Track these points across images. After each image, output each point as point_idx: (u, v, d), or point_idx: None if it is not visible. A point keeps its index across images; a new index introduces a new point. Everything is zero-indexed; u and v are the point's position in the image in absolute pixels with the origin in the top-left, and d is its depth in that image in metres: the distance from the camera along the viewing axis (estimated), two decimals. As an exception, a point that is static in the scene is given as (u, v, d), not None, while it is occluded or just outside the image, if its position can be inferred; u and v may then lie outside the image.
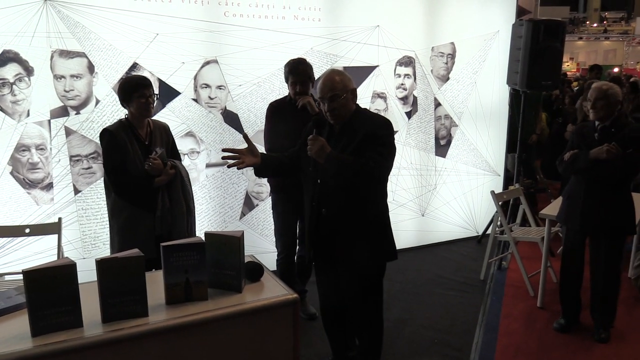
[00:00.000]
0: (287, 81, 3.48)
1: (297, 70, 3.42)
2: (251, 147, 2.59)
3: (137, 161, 2.90)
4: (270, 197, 3.72)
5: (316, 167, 2.53)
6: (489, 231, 5.22)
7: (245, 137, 2.58)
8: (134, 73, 3.78)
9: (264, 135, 3.57)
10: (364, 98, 4.78)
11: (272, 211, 3.70)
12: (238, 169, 2.54)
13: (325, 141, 2.43)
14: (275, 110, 3.52)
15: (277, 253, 3.67)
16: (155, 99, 2.96)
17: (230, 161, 2.51)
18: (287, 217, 3.61)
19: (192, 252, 1.97)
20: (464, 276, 4.64)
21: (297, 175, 2.78)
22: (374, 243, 2.59)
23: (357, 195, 2.50)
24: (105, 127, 2.95)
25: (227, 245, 2.07)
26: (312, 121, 2.55)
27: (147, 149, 2.94)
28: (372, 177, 2.44)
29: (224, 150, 2.54)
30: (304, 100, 3.38)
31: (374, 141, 2.43)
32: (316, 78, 4.44)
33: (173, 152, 3.12)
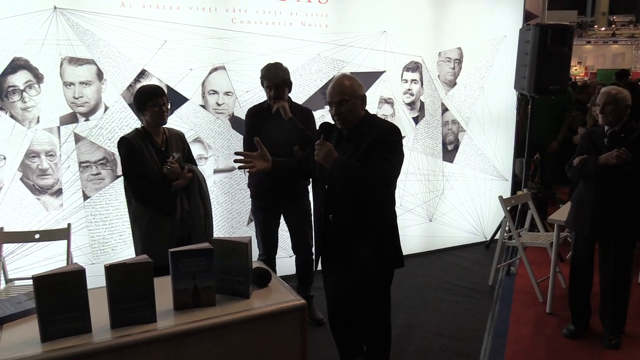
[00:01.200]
0: (262, 85, 3.48)
1: (271, 74, 3.41)
2: (263, 152, 2.60)
3: (155, 167, 2.93)
4: (251, 203, 3.73)
5: (323, 172, 2.53)
6: (497, 237, 5.19)
7: (257, 142, 2.59)
8: (142, 80, 3.82)
9: (243, 142, 3.59)
10: (371, 104, 4.77)
11: (252, 216, 3.72)
12: (249, 172, 2.55)
13: (332, 146, 2.43)
14: (253, 115, 3.52)
15: (258, 254, 3.70)
16: (168, 107, 3.01)
17: (241, 164, 2.53)
18: (267, 224, 3.63)
19: (199, 258, 1.97)
20: (472, 282, 4.62)
21: (307, 180, 2.78)
22: (380, 249, 2.58)
23: (364, 201, 2.50)
24: (122, 135, 3.00)
25: (235, 251, 2.07)
26: (320, 126, 2.55)
27: (164, 155, 2.98)
28: (379, 183, 2.44)
29: (236, 153, 2.56)
30: (278, 104, 3.37)
31: (381, 147, 2.43)
32: (324, 85, 4.45)
33: (189, 159, 3.17)
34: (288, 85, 3.47)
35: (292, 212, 3.62)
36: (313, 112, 4.38)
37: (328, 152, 2.40)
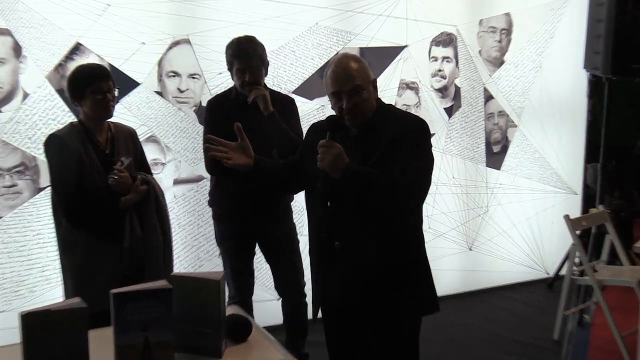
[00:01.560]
0: (230, 69, 3.46)
1: (244, 52, 3.36)
2: (244, 144, 2.61)
3: (96, 175, 2.93)
4: (214, 228, 3.74)
5: (328, 184, 2.51)
6: (563, 271, 5.16)
7: (239, 130, 2.60)
8: (77, 57, 3.79)
9: (204, 147, 3.55)
10: (388, 90, 4.77)
11: (218, 246, 3.74)
12: (225, 165, 2.55)
13: (342, 149, 2.42)
14: (216, 109, 3.49)
15: (227, 297, 3.68)
16: (115, 94, 3.00)
17: (215, 153, 2.53)
18: (239, 255, 3.63)
19: (153, 302, 1.95)
20: (530, 335, 4.58)
21: (293, 194, 2.79)
22: (407, 289, 2.55)
23: (383, 222, 2.48)
24: (51, 133, 2.98)
25: (203, 291, 2.06)
26: (327, 121, 2.53)
27: (109, 159, 2.98)
28: (407, 199, 2.44)
29: (208, 139, 2.55)
30: (257, 92, 3.34)
31: (406, 148, 2.41)
32: (323, 66, 4.46)
33: (142, 165, 3.17)
34: (266, 67, 3.47)
35: (272, 238, 3.62)
36: (310, 101, 4.37)
37: (337, 156, 2.38)
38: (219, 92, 3.72)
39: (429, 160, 2.51)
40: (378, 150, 2.45)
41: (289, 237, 3.64)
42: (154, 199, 3.03)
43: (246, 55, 3.36)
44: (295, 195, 3.70)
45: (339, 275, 2.59)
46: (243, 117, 3.38)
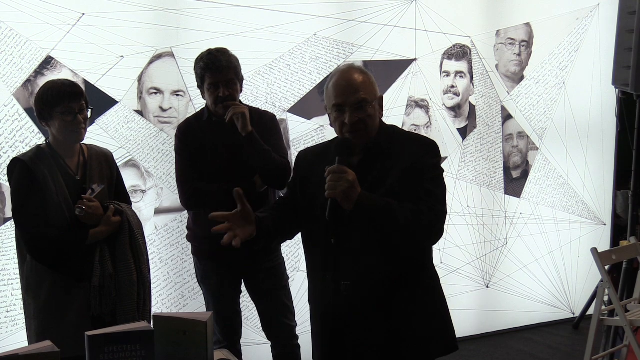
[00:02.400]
0: (201, 86, 3.44)
1: (219, 64, 3.34)
2: (245, 210, 2.49)
3: (64, 205, 2.91)
4: (194, 264, 3.71)
5: (336, 217, 2.47)
6: (590, 311, 5.14)
7: (239, 196, 2.47)
8: (47, 73, 3.81)
9: (176, 179, 3.54)
10: (395, 108, 4.81)
11: (199, 285, 3.71)
12: (233, 246, 2.48)
13: (356, 176, 2.40)
14: (187, 136, 3.47)
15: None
16: (88, 114, 2.98)
17: (224, 234, 2.43)
18: (224, 293, 3.60)
19: (133, 345, 1.94)
20: (555, 382, 4.57)
21: (290, 239, 2.76)
22: (425, 330, 2.55)
23: (394, 258, 2.47)
24: (14, 157, 2.97)
25: (188, 334, 2.05)
26: (335, 143, 2.51)
27: (80, 186, 2.97)
28: (430, 234, 2.42)
29: (212, 217, 2.49)
30: (234, 110, 3.31)
31: (425, 175, 2.42)
32: (322, 81, 4.49)
33: (119, 192, 3.15)
34: (241, 81, 3.47)
35: (258, 275, 3.59)
36: (308, 121, 4.38)
37: (352, 184, 2.35)
38: (188, 117, 3.68)
39: (445, 188, 2.51)
40: (389, 177, 2.44)
41: (277, 272, 3.60)
42: (128, 231, 3.00)
43: (219, 68, 3.33)
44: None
45: (345, 320, 2.57)
46: (219, 140, 3.39)
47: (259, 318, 3.85)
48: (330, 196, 2.36)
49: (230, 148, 3.37)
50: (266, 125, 3.47)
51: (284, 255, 3.70)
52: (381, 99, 2.57)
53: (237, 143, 3.32)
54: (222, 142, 3.38)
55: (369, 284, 2.49)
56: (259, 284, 3.61)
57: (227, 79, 3.35)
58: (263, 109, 3.70)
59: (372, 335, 2.52)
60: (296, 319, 3.70)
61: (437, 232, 2.45)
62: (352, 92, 2.47)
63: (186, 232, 3.70)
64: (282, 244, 3.66)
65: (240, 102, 3.46)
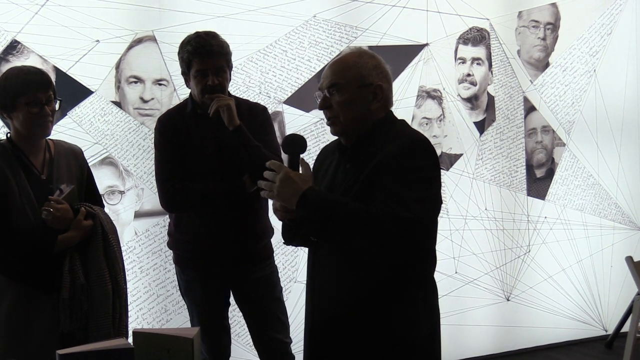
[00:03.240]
0: (186, 72, 3.44)
1: (209, 48, 3.33)
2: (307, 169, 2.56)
3: (27, 207, 2.91)
4: (177, 274, 3.71)
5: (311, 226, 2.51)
6: (625, 328, 5.15)
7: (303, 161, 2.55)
8: (12, 58, 3.81)
9: (155, 177, 3.54)
10: (404, 99, 4.80)
11: (183, 297, 3.71)
12: (279, 219, 2.52)
13: (298, 173, 2.42)
14: (167, 129, 3.47)
15: None
16: (56, 106, 2.98)
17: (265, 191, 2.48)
18: (210, 304, 3.59)
19: (109, 366, 1.95)
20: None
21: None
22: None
23: (371, 276, 2.46)
24: None
25: (172, 352, 2.05)
26: (284, 140, 2.57)
27: (46, 186, 2.96)
28: (379, 242, 2.35)
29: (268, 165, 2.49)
30: (220, 102, 3.31)
31: (393, 174, 2.38)
32: (322, 69, 4.49)
33: (90, 194, 3.14)
34: (230, 69, 3.48)
35: (248, 285, 3.58)
36: (307, 114, 4.38)
37: (284, 179, 2.39)
38: (170, 108, 3.68)
39: (427, 191, 2.42)
40: (362, 175, 2.45)
41: (269, 282, 3.59)
42: (101, 237, 2.99)
43: (209, 52, 3.33)
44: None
45: (319, 348, 2.59)
46: (204, 135, 3.39)
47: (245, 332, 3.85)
48: (270, 198, 2.44)
49: (217, 143, 3.36)
50: (257, 119, 3.48)
51: (279, 264, 3.71)
52: (378, 87, 2.52)
53: (223, 138, 3.33)
54: (208, 136, 3.38)
55: (334, 308, 2.53)
56: (248, 295, 3.60)
57: (217, 66, 3.35)
58: (255, 100, 3.70)
59: None
60: (293, 335, 3.71)
61: (398, 245, 2.36)
62: (325, 76, 2.54)
63: (167, 238, 3.70)
64: (273, 252, 3.66)
65: (229, 93, 3.47)
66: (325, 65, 2.62)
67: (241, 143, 3.32)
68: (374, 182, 2.38)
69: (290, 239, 2.69)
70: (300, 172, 2.47)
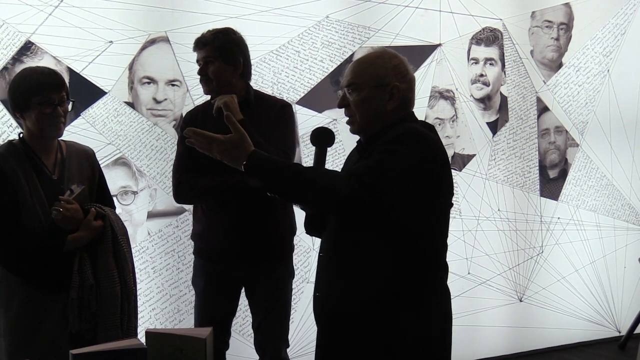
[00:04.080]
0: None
1: (199, 40, 3.37)
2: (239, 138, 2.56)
3: (38, 208, 2.91)
4: (193, 264, 3.70)
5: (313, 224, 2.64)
6: (638, 329, 5.13)
7: (230, 119, 2.56)
8: (26, 59, 3.81)
9: (172, 168, 3.57)
10: (417, 100, 4.57)
11: (193, 286, 3.69)
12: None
13: (242, 132, 2.46)
14: (188, 123, 3.44)
15: None
16: (69, 107, 2.99)
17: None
18: (219, 302, 3.57)
19: (122, 366, 1.95)
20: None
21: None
22: None
23: (373, 271, 2.47)
24: None
25: (185, 353, 2.05)
26: (312, 133, 2.61)
27: (57, 187, 2.97)
28: (334, 201, 2.38)
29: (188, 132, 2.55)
30: (219, 100, 3.32)
31: (373, 153, 2.45)
32: (335, 70, 4.48)
33: (101, 195, 3.15)
34: (234, 63, 3.42)
35: (263, 285, 3.54)
36: (319, 114, 4.37)
37: (225, 142, 2.45)
38: (198, 104, 3.70)
39: (395, 167, 2.39)
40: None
41: (284, 284, 3.58)
42: (110, 238, 2.99)
43: (198, 43, 3.39)
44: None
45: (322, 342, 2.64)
46: (217, 129, 3.37)
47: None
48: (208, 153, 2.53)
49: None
50: (272, 115, 3.45)
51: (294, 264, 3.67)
52: (395, 87, 2.52)
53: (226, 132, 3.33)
54: (220, 131, 3.38)
55: (338, 300, 2.54)
56: (260, 297, 3.57)
57: (205, 56, 3.36)
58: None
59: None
60: (305, 336, 3.68)
61: (342, 202, 2.37)
62: (345, 75, 2.60)
63: (179, 238, 3.69)
64: (292, 252, 3.62)
65: (248, 86, 3.47)
66: (343, 67, 2.64)
67: None
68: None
69: (311, 229, 2.73)
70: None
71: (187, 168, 3.41)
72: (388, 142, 2.41)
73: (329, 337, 2.60)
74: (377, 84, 2.53)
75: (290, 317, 3.66)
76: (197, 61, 3.40)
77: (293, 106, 4.33)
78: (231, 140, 2.43)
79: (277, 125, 3.43)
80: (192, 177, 3.38)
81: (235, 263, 3.47)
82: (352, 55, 4.53)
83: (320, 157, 2.59)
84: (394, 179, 2.37)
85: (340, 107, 2.59)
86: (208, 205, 3.46)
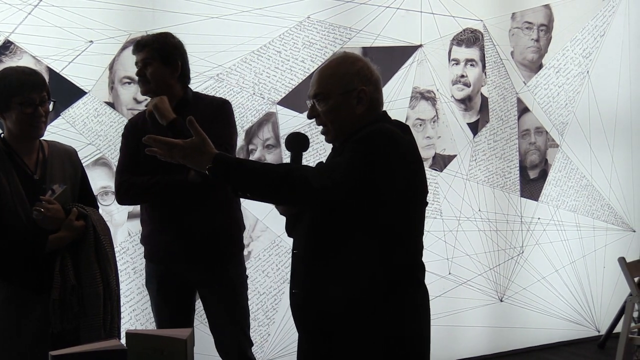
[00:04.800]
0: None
1: (138, 43, 3.38)
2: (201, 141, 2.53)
3: (19, 207, 2.90)
4: (145, 268, 3.67)
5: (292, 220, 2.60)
6: (618, 328, 5.15)
7: (191, 123, 2.49)
8: (5, 59, 3.80)
9: (116, 174, 3.52)
10: (397, 100, 4.80)
11: (147, 290, 3.66)
12: (281, 213, 2.55)
13: (203, 136, 2.41)
14: (129, 129, 3.50)
15: None
16: (50, 107, 2.98)
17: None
18: (173, 305, 3.53)
19: (102, 368, 1.94)
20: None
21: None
22: None
23: (354, 270, 2.46)
24: None
25: (166, 354, 2.04)
26: (286, 138, 2.61)
27: (39, 187, 2.95)
28: (307, 194, 2.38)
29: (147, 139, 2.47)
30: (151, 103, 3.34)
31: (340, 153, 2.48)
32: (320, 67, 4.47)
33: (84, 195, 3.14)
34: (170, 62, 3.40)
35: (214, 286, 3.51)
36: (300, 115, 4.36)
37: (188, 147, 2.39)
38: (139, 111, 3.68)
39: (348, 165, 2.41)
40: None
41: (236, 284, 3.54)
42: (93, 238, 2.97)
43: (137, 45, 3.39)
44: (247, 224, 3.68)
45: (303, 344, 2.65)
46: (157, 131, 3.35)
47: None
48: (165, 157, 2.45)
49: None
50: (208, 112, 3.41)
51: (272, 266, 3.66)
52: (361, 92, 2.53)
53: (163, 134, 3.30)
54: (161, 135, 3.35)
55: (318, 299, 2.53)
56: (214, 299, 3.53)
57: (143, 58, 3.36)
58: (248, 101, 3.67)
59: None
60: (285, 337, 3.66)
61: (301, 196, 2.40)
62: (313, 84, 2.57)
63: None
64: (243, 250, 3.60)
65: (188, 89, 3.47)
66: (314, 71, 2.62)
67: (175, 136, 3.17)
68: None
69: (292, 230, 2.71)
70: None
71: (128, 171, 3.41)
72: (357, 141, 2.42)
73: (311, 335, 2.60)
74: (343, 91, 2.53)
75: (270, 319, 3.65)
76: (136, 63, 3.39)
77: (274, 106, 4.33)
78: (192, 144, 2.37)
79: (215, 122, 3.36)
80: (129, 178, 3.38)
81: (182, 265, 3.45)
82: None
83: (296, 162, 2.58)
84: (362, 174, 2.38)
85: (310, 118, 2.58)
86: (152, 206, 3.44)
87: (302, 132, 2.73)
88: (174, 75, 3.41)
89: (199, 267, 3.45)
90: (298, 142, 2.63)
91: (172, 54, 3.39)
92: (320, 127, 2.59)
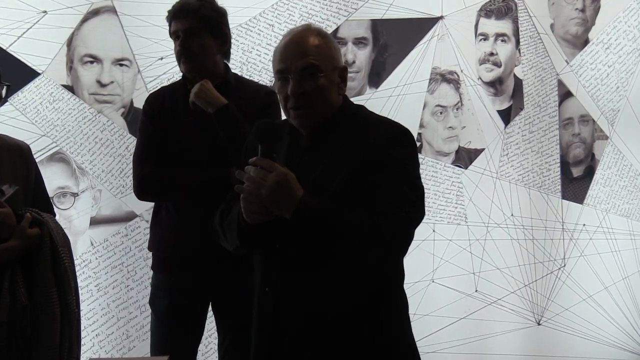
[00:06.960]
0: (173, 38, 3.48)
1: (182, 7, 3.36)
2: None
3: None
4: (151, 280, 3.69)
5: (280, 227, 2.54)
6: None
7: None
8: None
9: (132, 160, 3.55)
10: (414, 83, 4.81)
11: (150, 307, 3.67)
12: (251, 222, 2.54)
13: (289, 172, 2.43)
14: (154, 107, 3.50)
15: None
16: (3, 92, 2.99)
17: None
18: (183, 324, 3.56)
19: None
20: None
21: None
22: None
23: (358, 280, 2.53)
24: None
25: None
26: (255, 128, 2.57)
27: None
28: (390, 249, 2.49)
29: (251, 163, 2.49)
30: (194, 90, 3.35)
31: (388, 173, 2.47)
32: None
33: (39, 198, 3.16)
34: (221, 38, 3.46)
35: (233, 298, 3.52)
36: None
37: (280, 184, 2.40)
38: (164, 85, 3.69)
39: (419, 190, 2.56)
40: (345, 169, 2.51)
41: (252, 296, 3.58)
42: (49, 249, 2.97)
43: (181, 12, 3.37)
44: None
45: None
46: (188, 116, 3.38)
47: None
48: (250, 199, 2.46)
49: (200, 128, 3.35)
50: (257, 102, 3.46)
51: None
52: (343, 70, 2.62)
53: (207, 122, 3.34)
54: (191, 118, 3.36)
55: (310, 304, 2.58)
56: (226, 313, 3.59)
57: (186, 28, 3.35)
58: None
59: None
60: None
61: (401, 242, 2.51)
62: (299, 56, 2.56)
63: (129, 249, 3.68)
64: None
65: (226, 67, 3.50)
66: (277, 46, 2.61)
67: (221, 127, 3.32)
68: (361, 179, 2.47)
69: (248, 243, 2.67)
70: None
71: (153, 160, 3.42)
72: (398, 144, 2.52)
73: (308, 339, 2.63)
74: (334, 66, 2.59)
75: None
76: (174, 33, 3.38)
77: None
78: (277, 181, 2.40)
79: (268, 113, 3.43)
80: (157, 171, 3.40)
81: (205, 273, 3.47)
82: (336, 30, 4.53)
83: (267, 156, 2.49)
84: (420, 200, 2.55)
85: (296, 94, 2.55)
86: (174, 206, 3.46)
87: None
88: (221, 51, 3.46)
89: (220, 277, 3.48)
90: (270, 133, 2.57)
91: (222, 23, 3.44)
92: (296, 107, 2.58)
